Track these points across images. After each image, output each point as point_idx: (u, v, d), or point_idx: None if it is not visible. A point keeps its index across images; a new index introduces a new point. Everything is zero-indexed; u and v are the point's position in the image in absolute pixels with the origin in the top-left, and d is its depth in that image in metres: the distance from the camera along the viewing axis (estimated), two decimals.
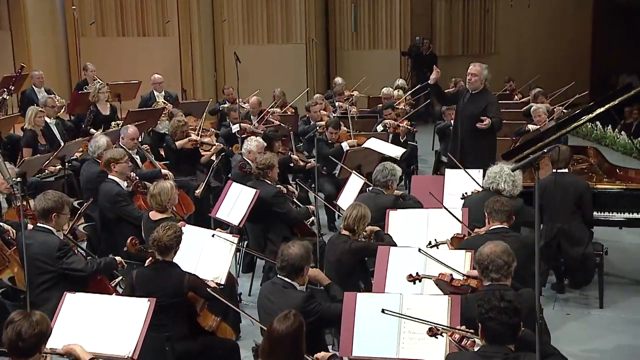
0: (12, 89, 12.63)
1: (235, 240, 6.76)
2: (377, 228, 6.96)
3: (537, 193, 4.76)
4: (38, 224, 6.58)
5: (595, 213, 8.48)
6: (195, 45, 18.47)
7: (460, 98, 9.92)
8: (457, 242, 6.56)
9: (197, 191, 9.83)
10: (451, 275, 5.66)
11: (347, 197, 8.79)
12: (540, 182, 8.27)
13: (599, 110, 8.80)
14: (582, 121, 8.99)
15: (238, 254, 8.81)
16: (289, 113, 13.78)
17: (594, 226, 8.73)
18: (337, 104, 14.46)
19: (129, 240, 6.51)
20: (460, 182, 8.35)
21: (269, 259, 7.63)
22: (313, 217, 8.74)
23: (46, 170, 10.29)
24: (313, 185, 10.18)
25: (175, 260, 6.70)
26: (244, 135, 11.43)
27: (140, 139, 12.70)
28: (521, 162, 5.56)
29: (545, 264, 8.21)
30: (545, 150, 5.11)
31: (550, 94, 14.31)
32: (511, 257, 5.32)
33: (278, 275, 5.69)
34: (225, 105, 14.01)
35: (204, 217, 9.07)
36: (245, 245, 8.64)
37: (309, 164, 10.91)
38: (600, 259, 8.10)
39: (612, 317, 7.99)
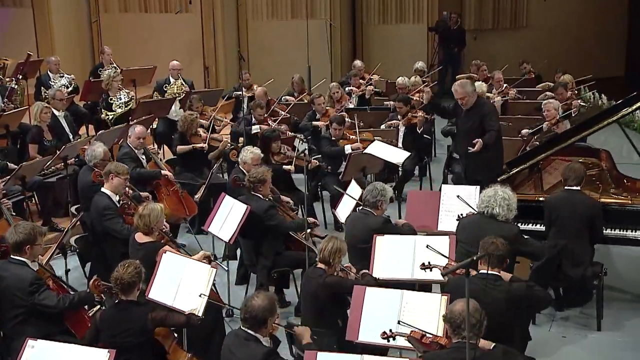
0: (20, 77, 12.53)
1: (214, 271, 6.63)
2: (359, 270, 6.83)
3: None
4: (12, 257, 6.53)
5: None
6: (218, 20, 18.19)
7: (458, 113, 9.74)
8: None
9: (196, 196, 9.79)
10: (422, 333, 5.64)
11: (345, 207, 8.69)
12: (551, 199, 8.20)
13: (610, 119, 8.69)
14: (592, 129, 8.81)
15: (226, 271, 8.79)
16: (306, 101, 13.61)
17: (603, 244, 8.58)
18: (350, 88, 14.25)
19: (91, 282, 6.42)
20: (457, 200, 8.16)
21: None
22: (311, 227, 8.62)
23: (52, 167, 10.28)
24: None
25: (155, 288, 6.74)
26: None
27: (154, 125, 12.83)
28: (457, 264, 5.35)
29: (545, 283, 8.03)
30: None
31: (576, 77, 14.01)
32: (482, 315, 5.27)
33: (241, 327, 5.59)
34: (239, 93, 13.88)
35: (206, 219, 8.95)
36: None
37: (311, 164, 10.73)
38: (599, 281, 7.92)
39: (609, 341, 7.82)
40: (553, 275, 8.02)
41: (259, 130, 11.66)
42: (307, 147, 12.87)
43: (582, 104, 12.35)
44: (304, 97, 13.89)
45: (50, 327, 6.47)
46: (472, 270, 6.29)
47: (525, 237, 7.37)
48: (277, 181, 9.92)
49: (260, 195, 8.34)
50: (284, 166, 10.39)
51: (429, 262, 6.68)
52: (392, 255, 7.02)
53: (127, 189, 8.53)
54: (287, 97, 14.10)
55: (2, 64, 13.56)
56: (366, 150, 9.92)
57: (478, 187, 8.39)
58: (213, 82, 18.13)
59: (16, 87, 12.43)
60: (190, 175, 10.69)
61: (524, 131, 11.37)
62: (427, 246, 6.73)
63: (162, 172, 9.86)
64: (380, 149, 9.97)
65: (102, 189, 8.32)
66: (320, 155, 11.38)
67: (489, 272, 6.15)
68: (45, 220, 10.27)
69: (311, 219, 8.80)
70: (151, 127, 12.96)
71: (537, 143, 10.04)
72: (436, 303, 5.88)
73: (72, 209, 9.36)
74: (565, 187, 8.13)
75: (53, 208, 10.42)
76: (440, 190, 8.51)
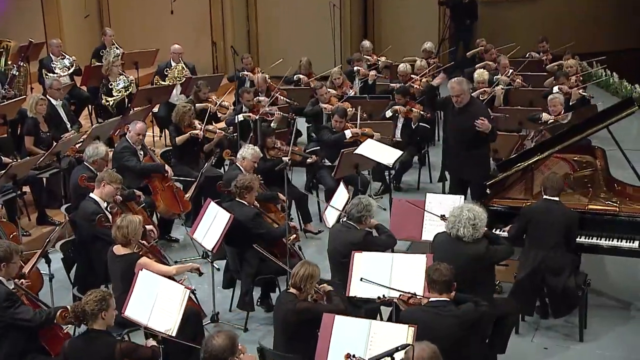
0: (22, 64, 12.54)
1: (187, 292, 6.66)
2: (330, 288, 6.82)
3: None
4: None
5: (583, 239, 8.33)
6: None
7: (448, 107, 9.66)
8: (402, 304, 6.49)
9: (186, 195, 9.82)
10: None
11: (333, 211, 8.69)
12: (529, 208, 8.17)
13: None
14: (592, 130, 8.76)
15: (218, 270, 8.85)
16: (312, 85, 13.53)
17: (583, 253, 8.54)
18: (355, 68, 14.15)
19: (58, 313, 6.37)
20: (441, 207, 8.14)
21: None
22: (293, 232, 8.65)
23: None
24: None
25: (130, 306, 6.79)
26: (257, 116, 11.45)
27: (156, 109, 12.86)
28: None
29: (530, 294, 8.03)
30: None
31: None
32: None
33: None
34: (247, 73, 13.86)
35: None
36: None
37: (309, 159, 10.72)
38: (582, 292, 7.88)
39: (590, 354, 7.81)
40: (537, 285, 7.99)
41: (242, 119, 11.68)
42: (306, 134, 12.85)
43: (583, 93, 12.15)
44: (311, 82, 13.80)
45: (26, 343, 6.51)
46: (424, 299, 6.37)
47: (493, 246, 7.26)
48: (272, 177, 9.99)
49: (245, 203, 8.32)
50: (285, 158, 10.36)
51: (383, 295, 6.66)
52: (370, 272, 6.99)
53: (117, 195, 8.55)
54: (300, 76, 14.05)
55: (5, 45, 13.55)
56: (357, 151, 9.85)
57: (462, 196, 8.43)
58: (221, 58, 18.09)
59: (17, 73, 12.43)
60: (185, 169, 10.70)
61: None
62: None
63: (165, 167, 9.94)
64: (371, 149, 9.89)
65: (91, 195, 8.35)
66: (318, 147, 11.33)
67: (438, 299, 6.17)
68: (41, 213, 10.34)
69: (292, 223, 8.82)
70: (152, 111, 13.03)
71: (532, 143, 9.93)
72: (403, 334, 5.86)
73: (63, 209, 9.42)
74: (544, 197, 8.06)
75: (48, 201, 10.47)
76: (425, 198, 8.46)
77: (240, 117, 11.66)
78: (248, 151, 9.43)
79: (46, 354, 6.57)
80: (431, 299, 6.21)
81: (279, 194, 9.29)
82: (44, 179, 10.41)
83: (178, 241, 10.29)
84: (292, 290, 6.56)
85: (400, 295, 6.50)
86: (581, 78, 12.94)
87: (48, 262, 7.73)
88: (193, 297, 7.60)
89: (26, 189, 10.36)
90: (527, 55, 15.58)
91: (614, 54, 17.79)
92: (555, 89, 12.17)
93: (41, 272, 7.90)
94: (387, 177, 11.24)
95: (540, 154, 8.83)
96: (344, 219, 7.84)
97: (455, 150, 9.60)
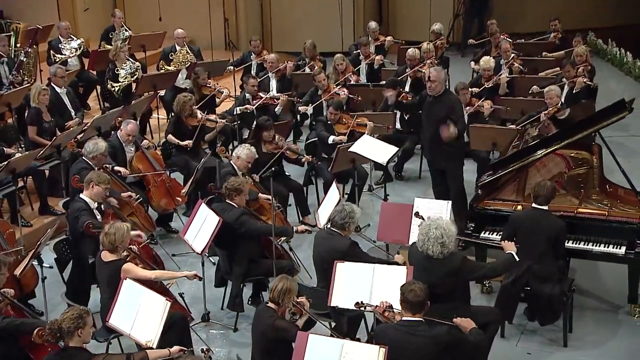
0: (29, 50, 12.65)
1: (168, 304, 6.78)
2: (308, 303, 6.90)
3: None
4: None
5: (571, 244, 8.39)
6: None
7: (422, 102, 9.93)
8: (379, 315, 6.63)
9: (182, 191, 9.93)
10: None
11: (325, 210, 8.77)
12: (518, 216, 8.21)
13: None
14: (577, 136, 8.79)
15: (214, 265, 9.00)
16: (317, 67, 13.56)
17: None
18: (361, 57, 14.16)
19: (35, 332, 6.40)
20: (430, 212, 8.18)
21: None
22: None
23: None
24: None
25: (114, 314, 6.94)
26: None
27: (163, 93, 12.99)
28: None
29: (514, 300, 8.09)
30: None
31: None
32: None
33: None
34: (253, 56, 13.95)
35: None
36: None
37: (304, 159, 10.74)
38: (567, 299, 7.93)
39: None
40: (518, 294, 8.05)
41: (246, 110, 11.80)
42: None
43: (588, 82, 12.06)
44: (316, 63, 13.83)
45: (8, 351, 6.66)
46: (398, 315, 6.44)
47: (473, 262, 7.33)
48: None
49: (235, 204, 8.41)
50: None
51: (361, 302, 6.75)
52: (351, 283, 7.09)
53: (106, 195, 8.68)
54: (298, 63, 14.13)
55: (15, 27, 13.68)
56: (351, 149, 9.88)
57: (450, 202, 8.47)
58: (233, 35, 18.12)
59: (25, 59, 12.55)
60: (183, 159, 10.83)
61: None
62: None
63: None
64: (366, 146, 9.91)
65: (81, 195, 8.49)
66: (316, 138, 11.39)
67: (410, 318, 6.24)
68: (43, 204, 10.51)
69: (300, 227, 8.88)
70: (159, 95, 13.14)
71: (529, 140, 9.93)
72: (374, 355, 5.96)
73: (60, 204, 9.58)
74: (533, 205, 8.08)
75: (50, 189, 10.63)
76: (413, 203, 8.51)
77: (238, 110, 11.76)
78: (243, 151, 9.49)
79: None
80: (404, 318, 6.28)
81: (260, 194, 9.41)
82: (46, 171, 10.54)
83: (177, 232, 10.42)
84: (270, 304, 6.66)
85: (376, 306, 6.64)
86: (589, 67, 12.78)
87: (40, 263, 7.91)
88: (181, 300, 7.76)
89: (29, 179, 10.55)
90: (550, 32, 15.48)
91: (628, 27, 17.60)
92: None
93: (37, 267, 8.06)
94: (388, 167, 11.29)
95: (535, 155, 8.89)
96: (328, 225, 7.91)
97: (429, 140, 9.88)
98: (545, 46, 15.04)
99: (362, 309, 6.76)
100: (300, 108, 12.36)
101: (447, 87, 10.62)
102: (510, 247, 7.36)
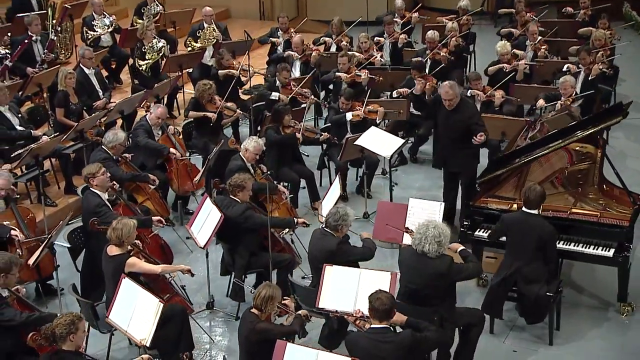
0: (60, 29, 13.07)
1: (161, 305, 7.18)
2: (292, 304, 7.30)
3: None
4: None
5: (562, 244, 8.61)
6: None
7: (438, 105, 9.98)
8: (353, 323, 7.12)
9: (195, 178, 10.30)
10: None
11: (328, 203, 9.09)
12: (508, 218, 8.44)
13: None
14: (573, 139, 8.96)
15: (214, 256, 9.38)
16: (344, 42, 13.80)
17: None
18: (385, 35, 14.32)
19: (29, 337, 6.73)
20: (424, 213, 8.49)
21: None
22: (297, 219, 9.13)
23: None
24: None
25: (114, 311, 7.39)
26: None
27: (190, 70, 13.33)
28: None
29: (501, 300, 8.36)
30: None
31: None
32: None
33: None
34: (274, 40, 14.19)
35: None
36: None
37: (322, 137, 11.08)
38: (554, 300, 8.16)
39: (558, 359, 8.15)
40: (506, 294, 8.31)
41: (276, 99, 12.04)
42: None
43: (604, 69, 12.06)
44: (343, 37, 14.04)
45: (13, 345, 7.08)
46: (367, 323, 6.79)
47: (459, 264, 7.60)
48: (286, 153, 10.48)
49: (238, 200, 8.78)
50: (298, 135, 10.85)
51: (336, 311, 7.33)
52: (338, 286, 7.45)
53: (112, 183, 9.13)
54: (326, 39, 14.33)
55: (52, 3, 14.10)
56: (357, 142, 10.15)
57: (443, 203, 8.72)
58: (268, 5, 18.26)
59: (55, 38, 12.98)
60: (202, 142, 11.19)
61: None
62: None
63: (170, 150, 10.39)
64: (372, 139, 10.15)
65: (92, 189, 8.91)
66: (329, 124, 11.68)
67: (378, 326, 6.58)
68: (68, 183, 11.01)
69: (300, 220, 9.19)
70: (186, 71, 13.47)
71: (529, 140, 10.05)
72: None
73: (79, 190, 10.02)
74: (523, 209, 8.28)
75: (75, 169, 11.02)
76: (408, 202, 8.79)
77: (275, 95, 12.07)
78: (251, 143, 9.79)
79: (35, 356, 7.06)
80: (372, 326, 6.64)
81: (279, 187, 9.77)
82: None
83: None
84: (254, 310, 7.02)
85: (350, 314, 7.12)
86: (608, 52, 12.77)
87: (53, 253, 8.38)
88: (183, 292, 8.20)
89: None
90: (562, 11, 15.44)
91: None
92: (565, 67, 12.29)
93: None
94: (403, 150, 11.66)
95: (535, 154, 9.08)
96: (322, 226, 8.26)
97: (446, 146, 10.08)
98: (575, 25, 14.96)
99: (336, 318, 7.44)
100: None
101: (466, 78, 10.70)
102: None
